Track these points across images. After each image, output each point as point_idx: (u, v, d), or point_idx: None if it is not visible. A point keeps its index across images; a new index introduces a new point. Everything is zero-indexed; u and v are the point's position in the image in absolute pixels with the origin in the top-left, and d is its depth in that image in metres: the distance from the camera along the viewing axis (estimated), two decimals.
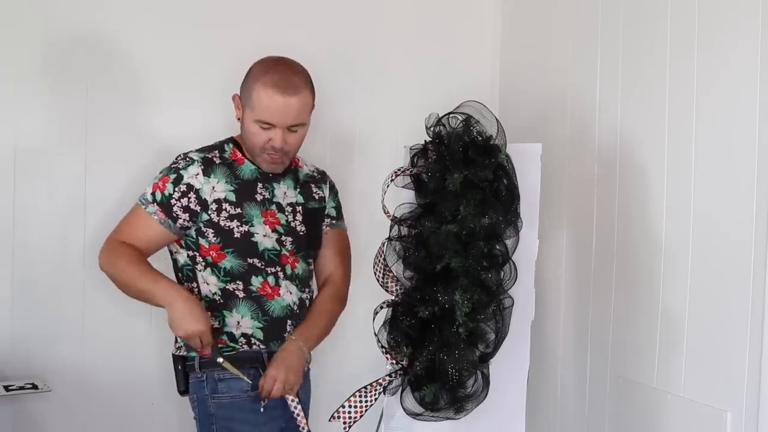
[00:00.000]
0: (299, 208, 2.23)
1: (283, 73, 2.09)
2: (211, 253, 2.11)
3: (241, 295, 2.12)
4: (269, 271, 2.14)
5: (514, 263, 2.18)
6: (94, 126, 2.54)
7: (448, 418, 2.17)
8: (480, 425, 2.23)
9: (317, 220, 2.29)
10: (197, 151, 2.15)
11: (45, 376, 2.44)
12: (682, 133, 2.11)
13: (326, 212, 2.32)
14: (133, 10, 2.57)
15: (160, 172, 2.14)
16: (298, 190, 2.25)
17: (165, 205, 2.10)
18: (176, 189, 2.10)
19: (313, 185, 2.29)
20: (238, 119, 2.16)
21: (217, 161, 2.13)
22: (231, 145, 2.18)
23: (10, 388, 2.33)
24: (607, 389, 2.38)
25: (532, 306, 2.26)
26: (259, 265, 2.13)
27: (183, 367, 2.15)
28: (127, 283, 2.11)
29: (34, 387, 2.35)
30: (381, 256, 2.25)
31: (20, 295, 2.49)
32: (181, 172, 2.11)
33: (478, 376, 2.16)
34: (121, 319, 2.58)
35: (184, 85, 2.59)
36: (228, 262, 2.11)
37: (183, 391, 2.16)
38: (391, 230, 2.25)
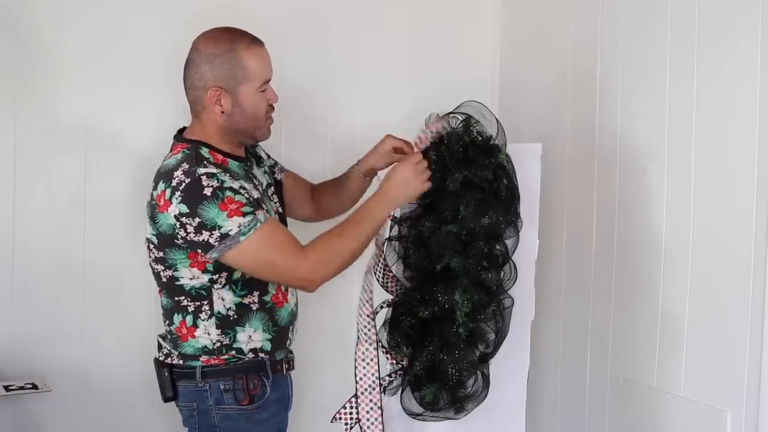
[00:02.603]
0: (272, 189, 2.20)
1: (240, 30, 2.05)
2: None
3: (255, 307, 2.06)
4: None
5: (514, 263, 2.18)
6: (94, 126, 2.54)
7: (448, 418, 2.17)
8: (480, 425, 2.23)
9: (279, 191, 2.23)
10: (195, 167, 1.95)
11: (45, 376, 2.44)
12: (682, 133, 2.11)
13: (272, 170, 2.30)
14: (134, 11, 2.56)
15: (210, 206, 1.88)
16: (263, 168, 2.22)
17: (259, 204, 1.98)
18: (245, 193, 1.94)
19: (261, 155, 2.27)
20: (222, 113, 2.02)
21: (217, 168, 1.98)
22: (206, 150, 2.03)
23: (10, 388, 2.32)
24: (607, 389, 2.38)
25: (532, 306, 2.26)
26: None
27: (170, 373, 2.08)
28: (353, 251, 2.03)
29: (34, 387, 2.34)
30: (381, 256, 2.25)
31: (20, 295, 2.48)
32: (226, 184, 1.92)
33: (478, 376, 2.16)
34: (121, 319, 2.59)
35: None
36: None
37: (170, 397, 2.10)
38: (391, 230, 2.25)
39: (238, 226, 1.91)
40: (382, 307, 2.24)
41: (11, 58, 2.46)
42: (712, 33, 2.03)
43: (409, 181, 2.07)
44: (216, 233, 1.91)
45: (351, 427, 2.18)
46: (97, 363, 2.55)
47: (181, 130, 2.13)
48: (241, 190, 1.94)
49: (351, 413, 2.17)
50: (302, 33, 2.70)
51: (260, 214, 1.94)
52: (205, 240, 1.92)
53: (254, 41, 2.05)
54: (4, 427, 2.47)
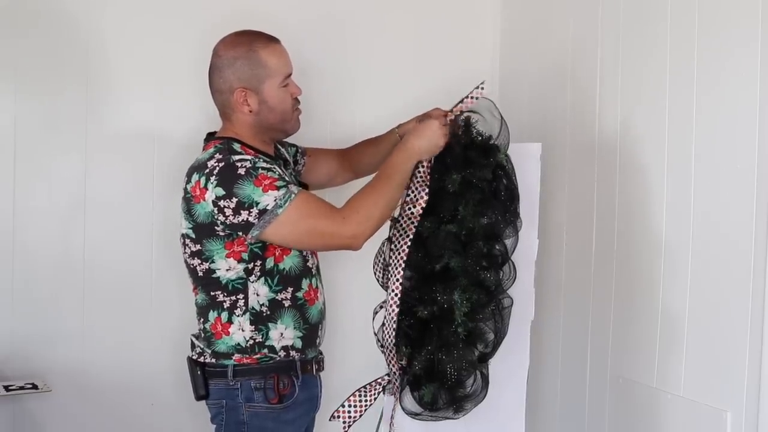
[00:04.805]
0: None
1: (256, 31, 2.13)
2: (276, 251, 2.07)
3: (287, 304, 2.10)
4: (311, 266, 2.16)
5: (513, 263, 2.18)
6: (94, 126, 2.54)
7: (447, 418, 2.17)
8: (479, 425, 2.23)
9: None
10: (229, 155, 2.02)
11: (45, 376, 2.44)
12: (683, 133, 2.11)
13: (296, 161, 2.38)
14: (132, 10, 2.57)
15: (245, 184, 1.96)
16: (290, 170, 2.28)
17: (291, 181, 2.06)
18: (277, 171, 2.02)
19: (287, 157, 2.33)
20: (250, 111, 2.10)
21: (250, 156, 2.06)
22: (238, 145, 2.08)
23: (10, 388, 2.33)
24: (607, 389, 2.38)
25: (532, 306, 2.26)
26: (309, 263, 2.15)
27: (203, 372, 2.11)
28: (388, 202, 2.10)
29: (34, 387, 2.35)
30: (381, 256, 2.25)
31: (20, 295, 2.49)
32: (258, 164, 1.99)
33: (477, 375, 2.16)
34: (121, 319, 2.59)
35: (184, 83, 2.58)
36: (289, 260, 2.09)
37: (203, 396, 2.12)
38: (390, 230, 2.25)
39: (274, 200, 1.97)
40: (382, 307, 2.24)
41: (11, 57, 2.46)
42: (713, 32, 2.03)
43: (433, 136, 2.13)
44: (254, 210, 1.97)
45: (349, 426, 2.18)
46: (97, 363, 2.55)
47: (212, 134, 2.19)
48: (273, 169, 2.02)
49: (349, 412, 2.18)
50: (301, 31, 2.70)
51: (293, 187, 2.02)
52: (245, 219, 1.98)
53: (271, 39, 2.13)
54: (4, 427, 2.47)
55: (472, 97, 2.18)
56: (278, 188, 1.98)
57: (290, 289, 2.11)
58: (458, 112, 2.18)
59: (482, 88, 2.18)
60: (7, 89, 2.47)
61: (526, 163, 2.23)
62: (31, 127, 2.49)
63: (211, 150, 2.07)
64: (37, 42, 2.48)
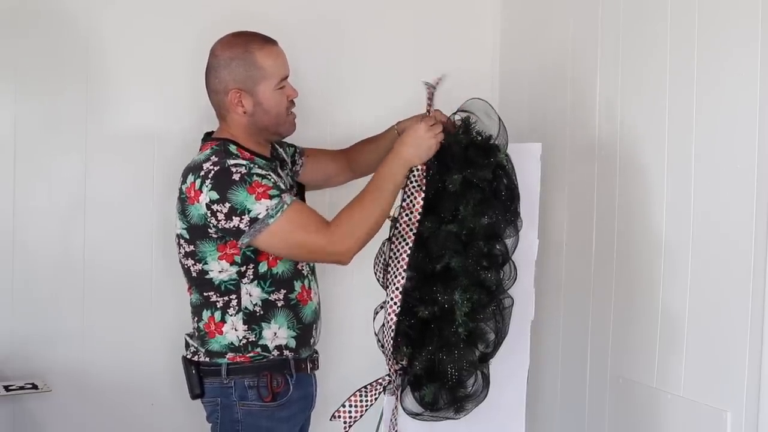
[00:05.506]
0: (294, 190, 2.25)
1: (253, 32, 2.12)
2: (269, 256, 2.07)
3: (280, 304, 2.11)
4: (301, 269, 2.15)
5: (513, 263, 2.18)
6: (94, 126, 2.54)
7: (447, 418, 2.17)
8: (480, 425, 2.23)
9: (302, 194, 2.30)
10: (225, 158, 2.02)
11: (45, 376, 2.44)
12: (683, 133, 2.11)
13: (294, 161, 2.37)
14: (132, 9, 2.57)
15: (239, 190, 1.96)
16: (286, 171, 2.29)
17: (286, 189, 2.06)
18: (271, 179, 2.02)
19: (284, 157, 2.32)
20: (244, 113, 2.11)
21: (245, 161, 2.05)
22: (234, 147, 2.10)
23: (10, 388, 2.33)
24: (607, 389, 2.38)
25: (532, 306, 2.26)
26: (300, 265, 2.15)
27: (197, 371, 2.12)
28: (379, 217, 2.09)
29: (34, 387, 2.35)
30: (381, 256, 2.25)
31: (20, 295, 2.49)
32: (254, 171, 1.99)
33: (478, 375, 2.16)
34: (121, 319, 2.59)
35: (184, 83, 2.58)
36: (282, 265, 2.10)
37: (198, 394, 2.14)
38: (391, 230, 2.25)
39: (266, 209, 1.97)
40: (382, 307, 2.24)
41: (11, 57, 2.46)
42: (713, 32, 2.03)
43: (422, 139, 2.10)
44: (246, 217, 1.97)
45: (350, 426, 2.18)
46: (97, 363, 2.55)
47: (209, 134, 2.19)
48: (268, 176, 2.02)
49: (350, 412, 2.18)
50: (301, 30, 2.70)
51: (286, 197, 2.01)
52: (236, 225, 1.98)
53: (267, 41, 2.13)
54: (4, 427, 2.47)
55: (428, 86, 2.15)
56: (271, 197, 1.98)
57: (283, 291, 2.12)
58: (437, 109, 2.18)
59: (437, 79, 2.16)
60: (7, 89, 2.47)
61: (526, 162, 2.23)
62: (31, 127, 2.49)
63: (208, 152, 2.07)
64: (37, 42, 2.48)
